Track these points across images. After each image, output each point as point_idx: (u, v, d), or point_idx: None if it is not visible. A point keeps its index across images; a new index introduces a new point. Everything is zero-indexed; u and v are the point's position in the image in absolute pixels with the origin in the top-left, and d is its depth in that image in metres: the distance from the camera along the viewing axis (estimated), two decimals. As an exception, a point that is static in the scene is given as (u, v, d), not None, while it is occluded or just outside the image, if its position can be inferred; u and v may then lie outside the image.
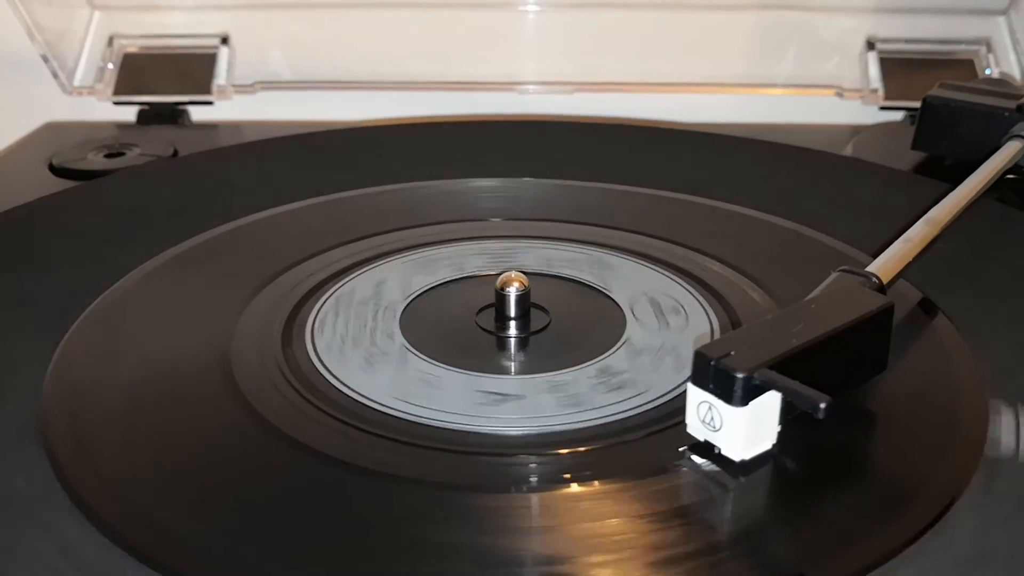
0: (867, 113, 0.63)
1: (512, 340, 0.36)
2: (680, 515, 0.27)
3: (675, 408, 0.31)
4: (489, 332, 0.37)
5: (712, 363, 0.28)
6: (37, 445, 0.30)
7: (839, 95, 0.64)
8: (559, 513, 0.27)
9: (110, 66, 0.65)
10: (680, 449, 0.29)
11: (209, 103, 0.64)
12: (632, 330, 0.36)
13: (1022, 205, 0.47)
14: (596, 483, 0.28)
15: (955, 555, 0.25)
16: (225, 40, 0.65)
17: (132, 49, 0.65)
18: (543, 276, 0.40)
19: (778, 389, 0.27)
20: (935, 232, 0.38)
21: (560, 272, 0.40)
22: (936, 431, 0.30)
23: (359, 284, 0.40)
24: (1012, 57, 0.63)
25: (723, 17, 0.65)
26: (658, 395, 0.32)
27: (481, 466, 0.29)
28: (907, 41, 0.64)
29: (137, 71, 0.65)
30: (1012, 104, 0.49)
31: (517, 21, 0.65)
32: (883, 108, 0.62)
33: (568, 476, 0.29)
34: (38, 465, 0.29)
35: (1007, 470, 0.28)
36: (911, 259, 0.36)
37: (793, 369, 0.28)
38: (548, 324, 0.37)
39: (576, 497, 0.28)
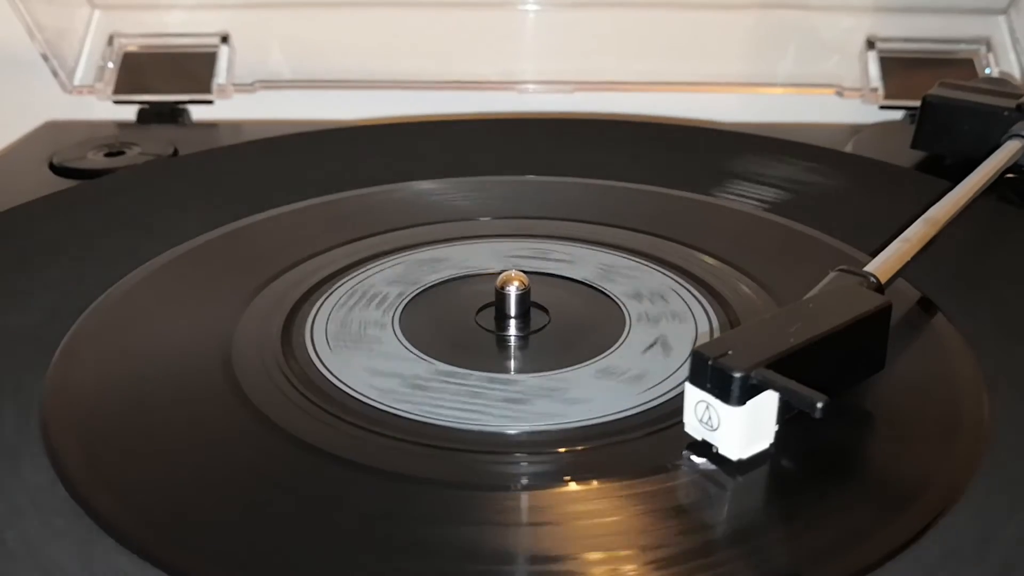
0: (867, 112, 0.63)
1: (512, 339, 0.36)
2: (678, 514, 0.27)
3: (673, 407, 0.31)
4: (489, 331, 0.37)
5: (710, 362, 0.28)
6: (38, 445, 0.30)
7: (839, 94, 0.64)
8: (557, 512, 0.27)
9: (110, 65, 0.65)
10: (681, 450, 0.29)
11: (209, 102, 0.64)
12: (631, 329, 0.36)
13: (1022, 204, 0.47)
14: (594, 482, 0.28)
15: (954, 555, 0.25)
16: (225, 39, 0.65)
17: (132, 48, 0.65)
18: (543, 275, 0.40)
19: (776, 388, 0.27)
20: (934, 231, 0.38)
21: (560, 271, 0.40)
22: (935, 430, 0.30)
23: (359, 283, 0.40)
24: (1012, 56, 0.63)
25: (723, 16, 0.65)
26: (657, 395, 0.32)
27: (480, 464, 0.29)
28: (907, 40, 0.64)
29: (137, 70, 0.65)
30: (1012, 103, 0.49)
31: (517, 20, 0.65)
32: (883, 107, 0.62)
33: (566, 475, 0.29)
34: (39, 464, 0.29)
35: (1006, 470, 0.28)
36: (909, 259, 0.36)
37: (791, 368, 0.28)
38: (548, 323, 0.37)
39: (574, 496, 0.28)
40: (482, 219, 0.46)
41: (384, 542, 0.26)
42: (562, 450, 0.30)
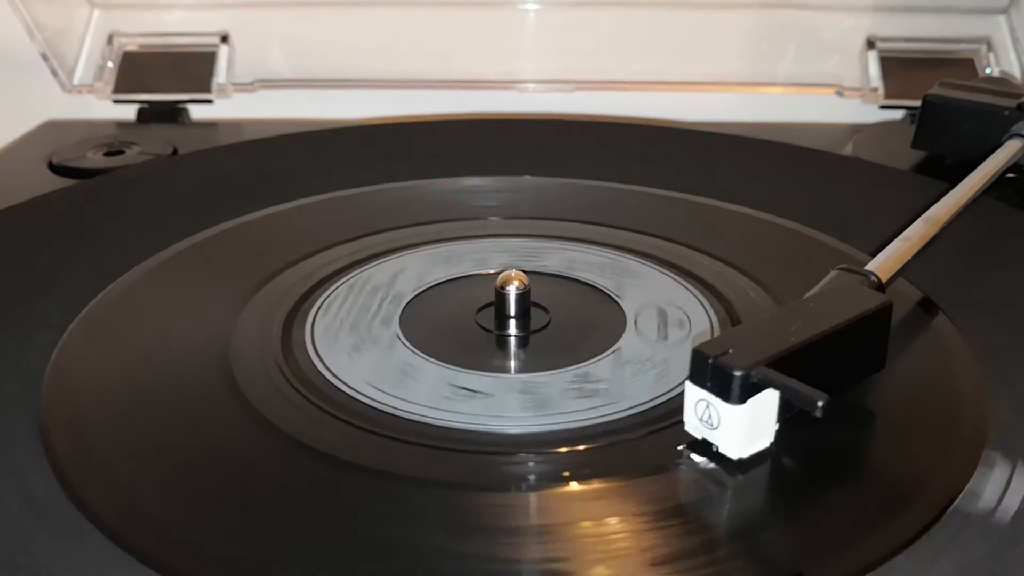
0: (867, 112, 0.63)
1: (512, 339, 0.36)
2: (678, 513, 0.27)
3: (674, 406, 0.31)
4: (488, 331, 0.36)
5: (710, 361, 0.28)
6: (37, 443, 0.30)
7: (839, 94, 0.64)
8: (558, 511, 0.27)
9: (110, 64, 0.65)
10: (679, 447, 0.29)
11: (209, 101, 0.64)
12: (631, 329, 0.36)
13: (1022, 204, 0.47)
14: (595, 482, 0.28)
15: (954, 555, 0.25)
16: (225, 38, 0.65)
17: (132, 47, 0.65)
18: (543, 275, 0.40)
19: (776, 387, 0.27)
20: (934, 231, 0.38)
21: (560, 271, 0.40)
22: (935, 430, 0.30)
23: (358, 282, 0.40)
24: (1012, 56, 0.63)
25: (723, 16, 0.65)
26: (657, 394, 0.32)
27: (480, 465, 0.29)
28: (907, 40, 0.64)
29: (137, 69, 0.65)
30: (1012, 103, 0.49)
31: (517, 20, 0.65)
32: (883, 107, 0.62)
33: (567, 475, 0.29)
34: (37, 463, 0.29)
35: (1006, 469, 0.28)
36: (910, 258, 0.36)
37: (791, 367, 0.28)
38: (548, 323, 0.37)
39: (575, 496, 0.28)
40: (481, 219, 0.46)
41: (383, 542, 0.26)
42: (563, 450, 0.30)
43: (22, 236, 0.44)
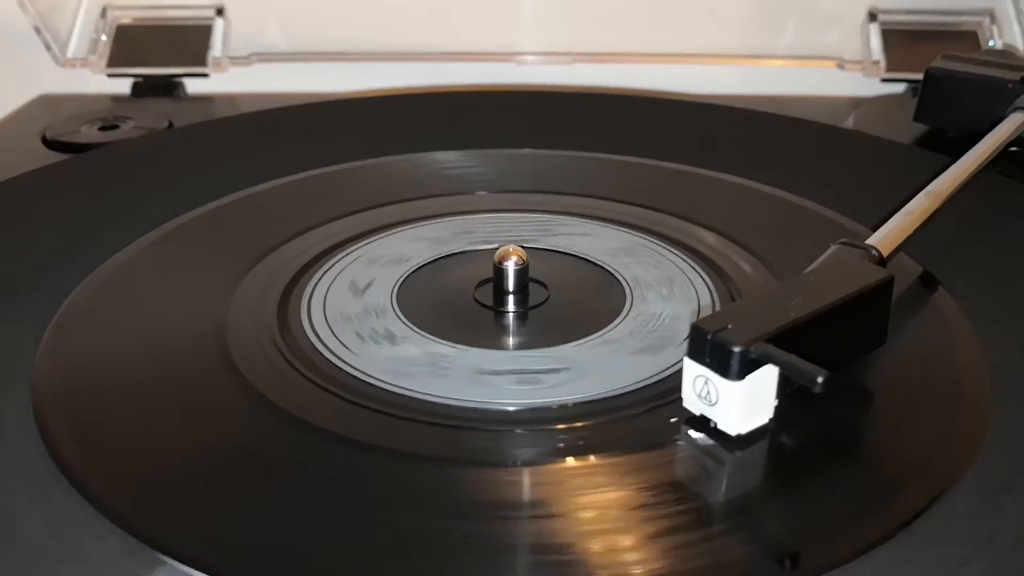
0: (869, 85, 0.62)
1: (510, 315, 0.36)
2: (675, 489, 0.27)
3: (673, 383, 0.31)
4: (487, 307, 0.36)
5: (708, 336, 0.27)
6: (30, 422, 0.30)
7: (840, 67, 0.63)
8: (554, 487, 0.27)
9: (104, 38, 0.64)
10: (673, 419, 0.29)
11: (204, 75, 0.63)
12: (631, 304, 0.36)
13: (1024, 178, 0.47)
14: (592, 457, 0.28)
15: (956, 532, 0.25)
16: (220, 11, 0.64)
17: (126, 20, 0.65)
18: (541, 250, 0.39)
19: (775, 363, 0.27)
20: (936, 205, 0.38)
21: (559, 246, 0.40)
22: (936, 406, 0.30)
23: (356, 258, 0.39)
24: (1016, 28, 0.62)
25: (724, -12, 0.64)
26: (656, 370, 0.32)
27: (478, 441, 0.29)
28: (909, 12, 0.63)
29: (131, 43, 0.64)
30: (1015, 76, 0.49)
31: (516, -9, 0.65)
32: (885, 80, 0.62)
33: (564, 450, 0.28)
34: (31, 441, 0.29)
35: (1008, 444, 0.28)
36: (911, 232, 0.36)
37: (791, 343, 0.27)
38: (547, 299, 0.37)
39: (572, 471, 0.28)
40: (480, 193, 0.45)
41: (382, 518, 0.26)
42: (560, 426, 0.30)
43: (15, 212, 0.43)
